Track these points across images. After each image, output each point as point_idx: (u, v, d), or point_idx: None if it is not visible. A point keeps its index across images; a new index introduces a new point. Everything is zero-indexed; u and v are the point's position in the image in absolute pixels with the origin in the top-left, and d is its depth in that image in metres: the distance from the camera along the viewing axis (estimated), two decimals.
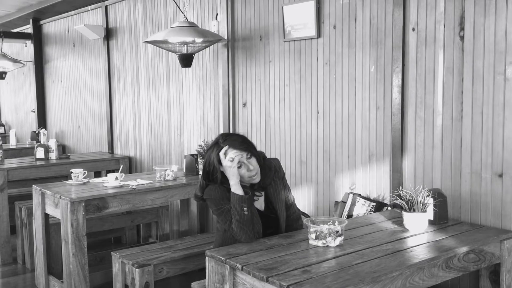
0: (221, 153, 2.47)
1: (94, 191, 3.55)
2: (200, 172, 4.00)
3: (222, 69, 4.21)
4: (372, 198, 3.16)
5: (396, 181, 3.03)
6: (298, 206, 3.64)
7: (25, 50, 7.42)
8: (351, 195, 3.20)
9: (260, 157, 2.57)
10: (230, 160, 2.44)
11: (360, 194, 3.19)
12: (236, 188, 2.43)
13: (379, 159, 3.15)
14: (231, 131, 4.19)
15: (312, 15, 3.42)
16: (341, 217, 3.17)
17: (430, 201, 2.55)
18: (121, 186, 3.65)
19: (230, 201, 2.45)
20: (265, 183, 2.58)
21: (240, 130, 4.13)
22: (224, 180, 2.50)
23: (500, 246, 2.46)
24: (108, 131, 5.73)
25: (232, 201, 2.42)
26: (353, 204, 3.16)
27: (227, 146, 2.48)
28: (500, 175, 2.59)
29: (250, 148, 2.52)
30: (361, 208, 3.11)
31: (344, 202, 3.22)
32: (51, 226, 3.93)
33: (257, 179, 2.52)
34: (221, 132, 4.26)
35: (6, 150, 5.78)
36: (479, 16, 2.61)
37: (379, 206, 3.07)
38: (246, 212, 2.40)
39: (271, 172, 2.61)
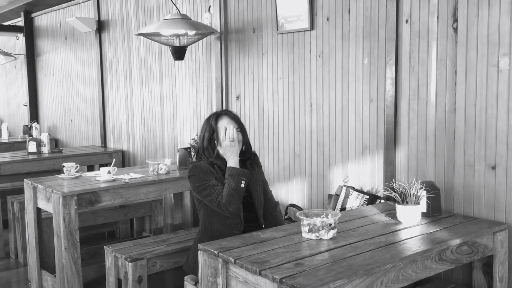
0: (222, 134, 2.67)
1: (86, 185, 3.52)
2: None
3: (215, 62, 4.18)
4: (365, 191, 3.15)
5: (389, 173, 3.03)
6: (292, 199, 3.65)
7: (17, 43, 7.36)
8: (344, 188, 3.20)
9: (246, 134, 2.80)
10: (231, 140, 2.64)
11: (353, 187, 3.19)
12: (236, 165, 2.65)
13: (372, 152, 3.15)
14: None
15: (305, 7, 3.40)
16: (334, 210, 3.16)
17: (423, 193, 2.55)
18: (113, 180, 3.63)
19: (215, 176, 2.65)
20: (245, 156, 2.78)
21: None
22: (217, 156, 2.70)
23: (493, 238, 2.46)
24: (100, 124, 5.69)
25: (231, 173, 2.62)
26: (346, 197, 3.15)
27: (226, 117, 2.71)
28: (493, 167, 2.59)
29: (240, 123, 2.78)
30: (355, 201, 3.11)
31: (338, 195, 3.21)
32: (43, 221, 3.90)
33: (237, 148, 2.68)
34: None
35: None
36: (472, 8, 2.60)
37: (372, 198, 3.07)
38: (242, 185, 2.60)
39: (251, 152, 2.84)
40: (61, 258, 3.34)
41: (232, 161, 2.66)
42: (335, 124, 3.34)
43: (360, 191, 3.13)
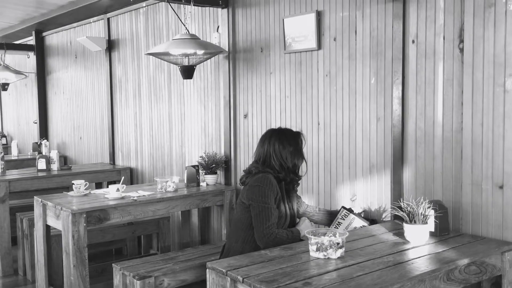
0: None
1: (95, 202, 3.55)
2: (205, 177, 4.13)
3: (223, 80, 4.23)
4: (362, 214, 3.12)
5: (397, 192, 3.03)
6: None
7: (28, 61, 7.46)
8: (343, 211, 3.13)
9: None
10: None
11: (352, 210, 3.13)
12: (306, 229, 2.76)
13: (379, 170, 3.16)
14: (232, 143, 4.20)
15: (312, 27, 3.44)
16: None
17: (431, 212, 2.55)
18: (122, 198, 3.66)
19: (275, 196, 2.73)
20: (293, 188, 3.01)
21: (242, 142, 4.14)
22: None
23: (501, 258, 2.45)
24: (109, 142, 5.74)
25: (296, 237, 2.73)
26: (342, 218, 3.11)
27: None
28: (501, 187, 2.60)
29: None
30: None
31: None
32: (52, 238, 3.93)
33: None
34: (222, 143, 4.27)
35: (8, 161, 5.79)
36: (478, 29, 2.63)
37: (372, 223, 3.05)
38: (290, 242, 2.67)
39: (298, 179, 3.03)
40: (69, 275, 3.36)
41: (303, 233, 2.75)
42: (343, 142, 3.36)
43: (360, 216, 3.08)
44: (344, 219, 3.03)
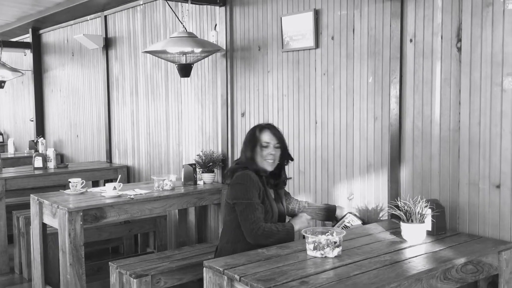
0: (265, 151, 2.82)
1: (92, 200, 3.54)
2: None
3: (220, 79, 4.22)
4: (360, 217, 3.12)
5: (394, 191, 3.03)
6: None
7: (24, 59, 7.44)
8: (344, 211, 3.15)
9: (286, 153, 2.91)
10: (270, 160, 2.83)
11: (350, 212, 3.14)
12: (300, 228, 2.73)
13: (377, 169, 3.16)
14: (229, 141, 4.20)
15: (310, 26, 3.44)
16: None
17: (428, 211, 2.55)
18: (119, 196, 3.65)
19: (258, 192, 2.68)
20: (279, 185, 2.92)
21: (239, 140, 4.14)
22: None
23: (498, 257, 2.46)
24: (106, 140, 5.73)
25: (289, 234, 2.69)
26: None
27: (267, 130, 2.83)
28: (498, 186, 2.60)
29: (282, 140, 2.87)
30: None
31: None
32: (48, 236, 3.92)
33: (269, 167, 2.81)
34: (219, 141, 4.26)
35: (4, 159, 5.78)
36: (476, 28, 2.63)
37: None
38: (283, 239, 2.64)
39: (284, 177, 2.95)
40: (65, 273, 3.35)
41: (298, 227, 2.76)
42: (340, 141, 3.36)
43: (356, 216, 3.09)
44: (352, 224, 3.03)
